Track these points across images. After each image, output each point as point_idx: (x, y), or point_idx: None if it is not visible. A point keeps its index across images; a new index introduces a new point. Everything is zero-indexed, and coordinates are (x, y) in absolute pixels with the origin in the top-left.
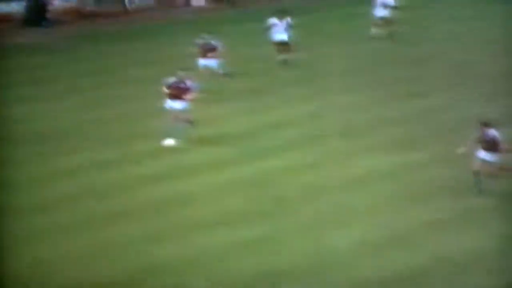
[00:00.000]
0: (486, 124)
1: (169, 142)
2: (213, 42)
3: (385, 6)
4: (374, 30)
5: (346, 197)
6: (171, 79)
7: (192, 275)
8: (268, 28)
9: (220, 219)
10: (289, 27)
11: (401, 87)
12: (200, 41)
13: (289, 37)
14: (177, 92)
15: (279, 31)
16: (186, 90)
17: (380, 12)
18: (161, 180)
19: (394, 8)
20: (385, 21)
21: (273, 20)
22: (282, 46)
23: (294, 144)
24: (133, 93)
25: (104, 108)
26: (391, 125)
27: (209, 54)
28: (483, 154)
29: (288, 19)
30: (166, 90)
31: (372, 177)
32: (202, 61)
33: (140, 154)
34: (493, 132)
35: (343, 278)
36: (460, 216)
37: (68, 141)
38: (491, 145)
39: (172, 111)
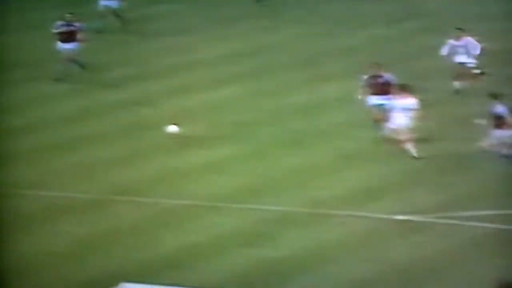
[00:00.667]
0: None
1: (173, 128)
2: None
3: None
4: None
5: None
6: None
7: (157, 192)
8: None
9: (184, 143)
10: None
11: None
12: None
13: None
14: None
15: None
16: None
17: None
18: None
19: None
20: None
21: None
22: None
23: (254, 73)
24: None
25: None
26: (346, 55)
27: None
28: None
29: None
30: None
31: (326, 104)
32: None
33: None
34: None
35: (298, 196)
36: None
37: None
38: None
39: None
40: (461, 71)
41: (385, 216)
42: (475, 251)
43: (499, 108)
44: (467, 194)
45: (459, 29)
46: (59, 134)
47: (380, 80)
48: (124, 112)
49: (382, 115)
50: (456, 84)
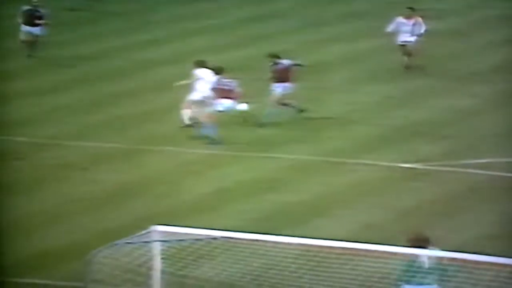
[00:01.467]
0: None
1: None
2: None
3: None
4: None
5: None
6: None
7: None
8: None
9: None
10: None
11: None
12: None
13: None
14: None
15: None
16: None
17: None
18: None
19: None
20: None
21: None
22: None
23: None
24: None
25: None
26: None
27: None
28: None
29: None
30: None
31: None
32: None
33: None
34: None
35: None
36: None
37: None
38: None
39: None
40: (403, 49)
41: (392, 164)
42: (475, 196)
43: None
44: (467, 144)
45: (410, 8)
46: (96, 91)
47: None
48: (154, 70)
49: None
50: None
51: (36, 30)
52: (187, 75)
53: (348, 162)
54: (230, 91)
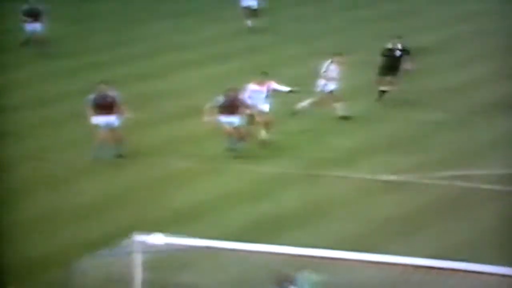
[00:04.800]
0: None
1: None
2: None
3: None
4: None
5: None
6: None
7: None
8: None
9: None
10: None
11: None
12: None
13: None
14: None
15: None
16: None
17: None
18: None
19: None
20: None
21: None
22: None
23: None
24: None
25: None
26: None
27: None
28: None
29: None
30: None
31: None
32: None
33: None
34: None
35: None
36: None
37: None
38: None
39: None
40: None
41: (369, 177)
42: (450, 207)
43: None
44: (442, 156)
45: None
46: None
47: None
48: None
49: None
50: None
51: (37, 26)
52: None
53: (325, 175)
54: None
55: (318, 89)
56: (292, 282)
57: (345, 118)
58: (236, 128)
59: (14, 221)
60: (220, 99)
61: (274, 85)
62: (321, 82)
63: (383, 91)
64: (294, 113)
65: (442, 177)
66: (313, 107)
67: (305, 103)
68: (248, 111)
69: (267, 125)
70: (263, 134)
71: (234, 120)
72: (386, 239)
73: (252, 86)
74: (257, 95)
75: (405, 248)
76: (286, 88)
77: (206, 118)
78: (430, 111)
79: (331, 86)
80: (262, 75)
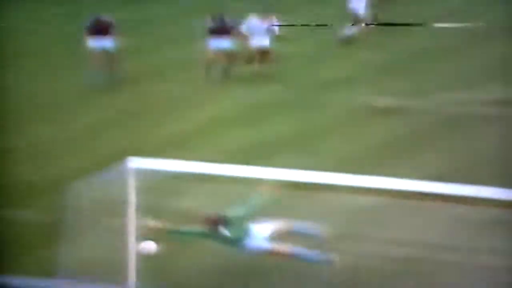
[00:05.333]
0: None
1: None
2: None
3: None
4: None
5: None
6: None
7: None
8: None
9: None
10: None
11: None
12: None
13: None
14: None
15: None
16: None
17: None
18: None
19: None
20: None
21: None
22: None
23: None
24: None
25: None
26: None
27: None
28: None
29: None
30: None
31: None
32: None
33: None
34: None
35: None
36: None
37: None
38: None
39: None
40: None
41: (365, 101)
42: (445, 130)
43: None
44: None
45: None
46: None
47: None
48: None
49: None
50: None
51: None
52: None
53: (320, 100)
54: None
55: None
56: (223, 222)
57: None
58: (227, 52)
59: (9, 147)
60: (209, 21)
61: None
62: None
63: None
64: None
65: (439, 100)
66: None
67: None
68: (242, 39)
69: (266, 58)
70: (259, 66)
71: (225, 43)
72: (380, 163)
73: (253, 19)
74: (257, 28)
75: (400, 172)
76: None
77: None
78: None
79: None
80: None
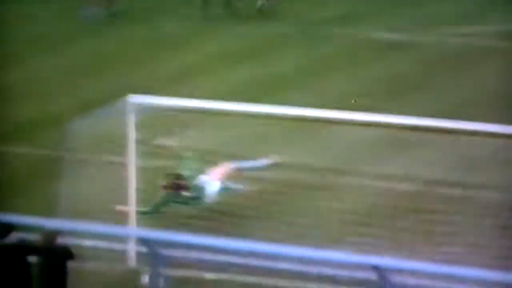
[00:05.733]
0: None
1: None
2: None
3: None
4: None
5: None
6: None
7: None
8: None
9: None
10: None
11: None
12: None
13: None
14: None
15: None
16: None
17: None
18: None
19: None
20: None
21: None
22: None
23: None
24: None
25: None
26: None
27: None
28: None
29: None
30: None
31: None
32: None
33: None
34: None
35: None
36: None
37: None
38: None
39: None
40: None
41: (368, 36)
42: (451, 65)
43: None
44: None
45: None
46: None
47: None
48: None
49: None
50: None
51: None
52: None
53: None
54: None
55: None
56: (184, 187)
57: None
58: None
59: (10, 83)
60: None
61: None
62: None
63: None
64: None
65: (441, 34)
66: None
67: None
68: None
69: None
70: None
71: None
72: (384, 99)
73: None
74: None
75: (404, 107)
76: None
77: None
78: None
79: None
80: None
